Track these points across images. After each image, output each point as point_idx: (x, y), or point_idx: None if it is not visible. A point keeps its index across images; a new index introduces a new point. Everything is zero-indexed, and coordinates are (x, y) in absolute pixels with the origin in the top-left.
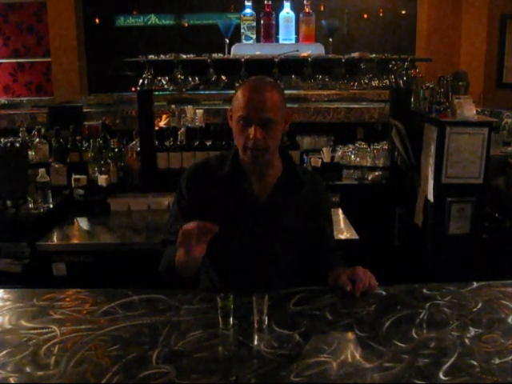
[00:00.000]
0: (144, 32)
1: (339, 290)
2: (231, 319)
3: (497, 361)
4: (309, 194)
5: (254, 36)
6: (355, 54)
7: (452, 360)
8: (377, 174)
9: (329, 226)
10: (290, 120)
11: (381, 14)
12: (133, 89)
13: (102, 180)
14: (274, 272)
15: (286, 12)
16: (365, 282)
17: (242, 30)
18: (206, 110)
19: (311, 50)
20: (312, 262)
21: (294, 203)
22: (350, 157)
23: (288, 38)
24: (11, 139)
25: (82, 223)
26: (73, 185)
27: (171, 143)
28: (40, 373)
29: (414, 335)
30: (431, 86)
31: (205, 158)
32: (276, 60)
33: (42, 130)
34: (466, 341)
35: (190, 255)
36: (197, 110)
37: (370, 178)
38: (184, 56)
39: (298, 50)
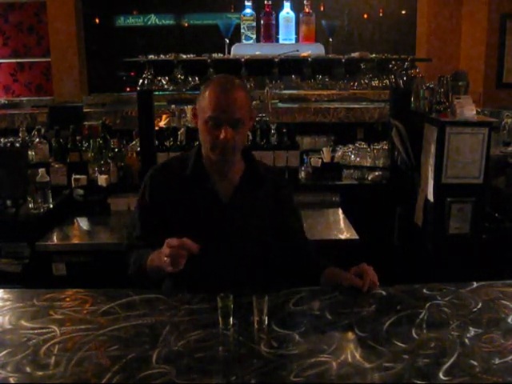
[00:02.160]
0: (144, 32)
1: (339, 287)
2: (231, 319)
3: (497, 361)
4: (271, 190)
5: (254, 36)
6: (355, 54)
7: (452, 360)
8: (377, 173)
9: (295, 221)
10: (255, 118)
11: (381, 14)
12: (128, 89)
13: (102, 180)
14: (242, 272)
15: (286, 12)
16: (372, 277)
17: (242, 30)
18: None
19: (311, 50)
20: (288, 261)
21: (257, 201)
22: (350, 157)
23: (288, 38)
24: (11, 139)
25: (82, 223)
26: (73, 185)
27: (171, 143)
28: (40, 373)
29: (414, 335)
30: (431, 85)
31: (165, 159)
32: (276, 60)
33: (42, 130)
34: (466, 341)
35: (172, 271)
36: None
37: (370, 178)
38: (184, 56)
39: (298, 50)
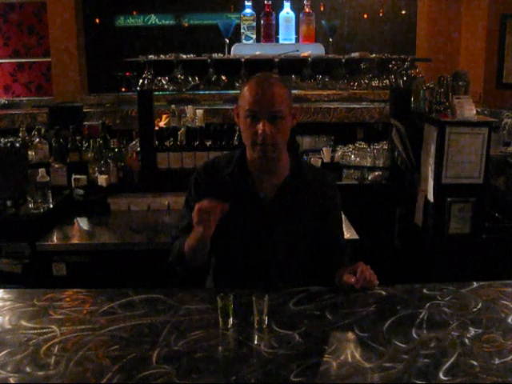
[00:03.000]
0: (144, 32)
1: (342, 287)
2: (231, 319)
3: (497, 361)
4: (316, 193)
5: (254, 36)
6: (355, 54)
7: (452, 360)
8: (377, 173)
9: (337, 225)
10: (298, 116)
11: (381, 14)
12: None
13: (102, 180)
14: (278, 273)
15: (286, 12)
16: (366, 274)
17: (242, 30)
18: (205, 110)
19: (311, 50)
20: (321, 263)
21: (300, 204)
22: (350, 157)
23: (288, 38)
24: (11, 139)
25: (82, 223)
26: (73, 185)
27: (171, 143)
28: (40, 373)
29: (414, 335)
30: (431, 85)
31: (215, 156)
32: (276, 60)
33: (42, 130)
34: (466, 341)
35: (204, 233)
36: (197, 110)
37: (369, 178)
38: (184, 56)
39: (298, 50)
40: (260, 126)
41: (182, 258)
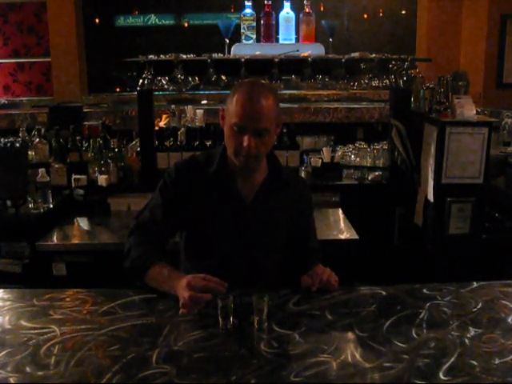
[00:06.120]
0: (144, 32)
1: (303, 289)
2: (231, 319)
3: (497, 361)
4: (293, 194)
5: (254, 36)
6: (355, 54)
7: (452, 360)
8: (377, 173)
9: (311, 227)
10: (281, 124)
11: (381, 14)
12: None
13: (101, 180)
14: (258, 272)
15: (286, 12)
16: (322, 277)
17: (242, 30)
18: (206, 110)
19: (311, 50)
20: (292, 263)
21: (278, 203)
22: (350, 157)
23: (288, 38)
24: (11, 139)
25: (82, 223)
26: (73, 185)
27: (171, 143)
28: (40, 373)
29: (414, 335)
30: (431, 85)
31: (191, 155)
32: (276, 60)
33: (42, 130)
34: (466, 341)
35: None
36: (197, 110)
37: (370, 178)
38: (184, 56)
39: (298, 50)
40: (245, 140)
41: (141, 277)
